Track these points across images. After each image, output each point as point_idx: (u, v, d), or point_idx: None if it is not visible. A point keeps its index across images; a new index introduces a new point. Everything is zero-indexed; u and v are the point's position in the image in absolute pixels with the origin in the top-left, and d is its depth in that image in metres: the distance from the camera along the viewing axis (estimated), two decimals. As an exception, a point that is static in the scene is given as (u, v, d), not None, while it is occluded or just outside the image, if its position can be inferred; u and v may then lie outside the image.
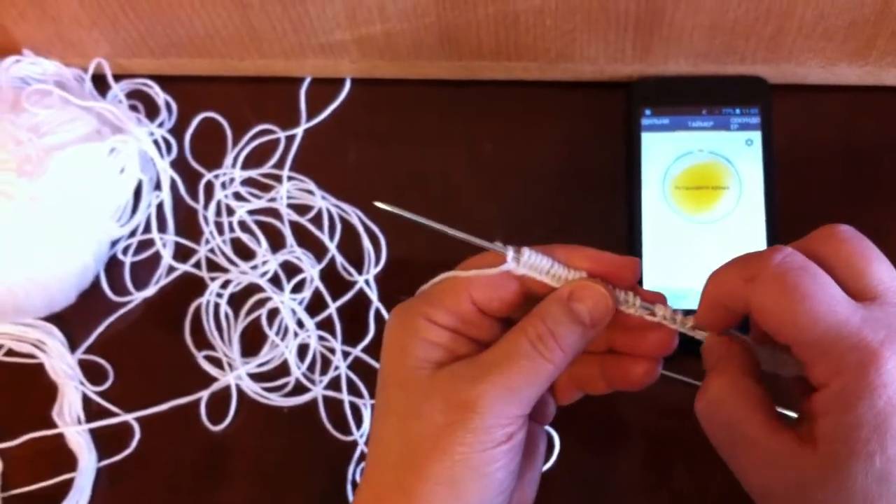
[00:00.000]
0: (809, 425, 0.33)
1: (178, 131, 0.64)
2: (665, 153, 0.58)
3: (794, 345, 0.33)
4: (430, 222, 0.38)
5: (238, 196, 0.62)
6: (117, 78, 0.65)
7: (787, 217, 0.57)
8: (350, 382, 0.57)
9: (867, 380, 0.31)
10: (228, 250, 0.61)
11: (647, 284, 0.56)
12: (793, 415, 0.36)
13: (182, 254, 0.61)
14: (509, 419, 0.36)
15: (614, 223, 0.58)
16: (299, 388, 0.58)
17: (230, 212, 0.62)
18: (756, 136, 0.58)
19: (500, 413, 0.35)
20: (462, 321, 0.38)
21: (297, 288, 0.60)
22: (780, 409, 0.35)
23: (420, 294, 0.39)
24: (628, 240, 0.57)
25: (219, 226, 0.62)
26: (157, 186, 0.62)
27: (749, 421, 0.34)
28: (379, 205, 0.38)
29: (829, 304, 0.32)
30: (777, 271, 0.33)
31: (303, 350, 0.58)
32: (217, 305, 0.59)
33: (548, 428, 0.45)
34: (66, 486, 0.56)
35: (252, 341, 0.59)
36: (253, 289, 0.60)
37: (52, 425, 0.58)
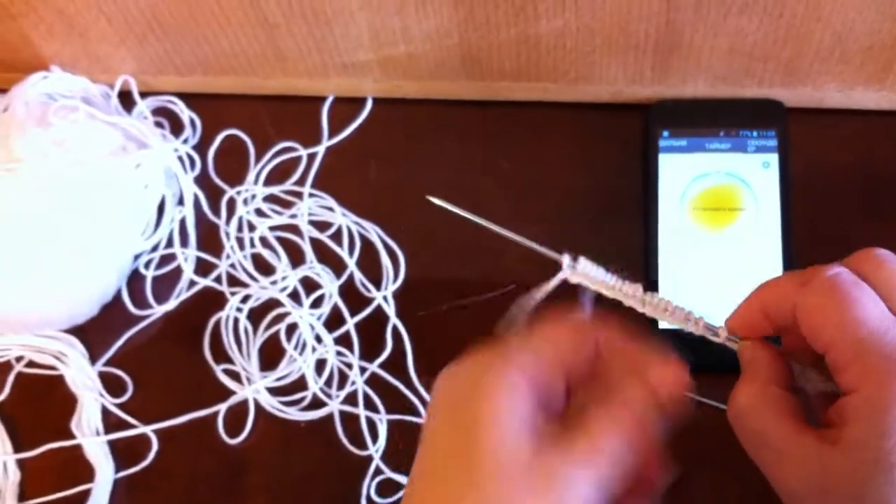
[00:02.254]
0: (835, 430, 0.34)
1: (201, 148, 0.65)
2: (682, 174, 0.59)
3: (832, 347, 0.34)
4: (486, 222, 0.39)
5: (259, 212, 0.63)
6: (143, 95, 0.66)
7: (804, 239, 0.57)
8: (367, 397, 0.58)
9: None
10: (249, 265, 0.61)
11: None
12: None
13: (203, 268, 0.62)
14: None
15: (632, 243, 0.59)
16: (316, 403, 0.58)
17: (251, 227, 0.62)
18: (773, 159, 0.58)
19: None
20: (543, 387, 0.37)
21: (316, 303, 0.60)
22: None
23: (497, 356, 0.37)
24: (645, 260, 0.58)
25: (240, 241, 0.62)
26: (181, 202, 0.63)
27: (776, 428, 0.35)
28: (432, 199, 0.39)
29: (874, 313, 0.34)
30: (830, 280, 0.35)
31: (320, 365, 0.59)
32: (237, 320, 0.60)
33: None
34: (83, 497, 0.57)
35: (270, 356, 0.59)
36: (272, 304, 0.60)
37: (71, 436, 0.58)
